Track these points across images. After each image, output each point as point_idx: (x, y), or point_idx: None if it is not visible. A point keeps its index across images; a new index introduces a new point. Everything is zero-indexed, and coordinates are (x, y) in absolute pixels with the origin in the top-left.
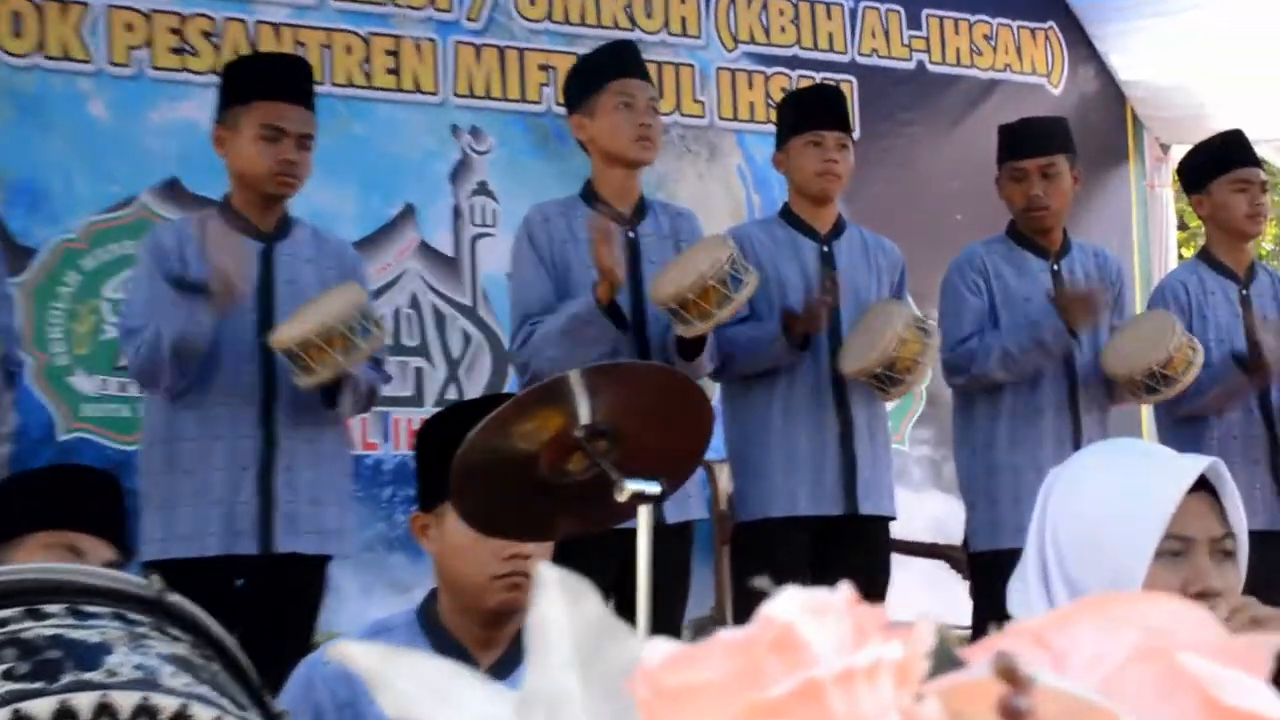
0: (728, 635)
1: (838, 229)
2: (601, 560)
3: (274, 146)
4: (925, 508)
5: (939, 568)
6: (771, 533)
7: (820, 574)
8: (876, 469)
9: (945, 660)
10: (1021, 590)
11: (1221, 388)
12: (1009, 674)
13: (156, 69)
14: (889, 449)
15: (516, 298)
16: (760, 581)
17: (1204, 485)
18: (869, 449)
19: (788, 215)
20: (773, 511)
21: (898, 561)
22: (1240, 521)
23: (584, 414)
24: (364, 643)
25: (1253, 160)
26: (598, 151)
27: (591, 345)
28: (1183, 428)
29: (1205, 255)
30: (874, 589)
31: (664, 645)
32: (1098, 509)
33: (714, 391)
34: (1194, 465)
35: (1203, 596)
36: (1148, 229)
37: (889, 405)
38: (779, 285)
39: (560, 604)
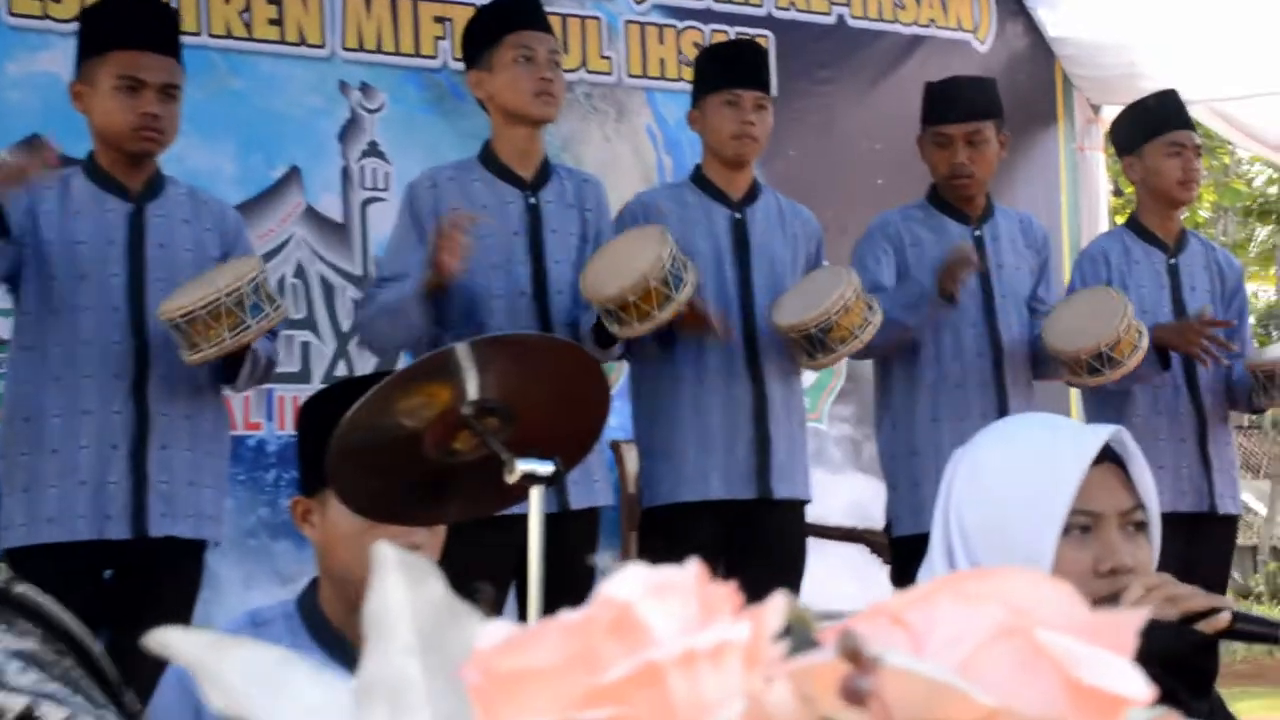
0: (564, 617)
1: (752, 195)
2: (500, 547)
3: (133, 99)
4: (845, 490)
5: (860, 553)
6: (681, 518)
7: (733, 561)
8: (792, 449)
9: (805, 641)
10: (928, 575)
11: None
12: (853, 654)
13: (15, 15)
14: (804, 427)
15: (381, 261)
16: (596, 559)
17: (1111, 457)
18: (784, 427)
19: (699, 179)
20: (683, 495)
21: (816, 547)
22: (1150, 492)
23: (472, 389)
24: (226, 634)
25: (1186, 123)
26: (496, 109)
27: (405, 331)
28: (1107, 403)
29: (1133, 222)
30: (789, 576)
31: (498, 628)
32: (1001, 489)
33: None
34: (1097, 436)
35: (1114, 574)
36: (1077, 194)
37: (806, 380)
38: (688, 252)
39: (400, 586)
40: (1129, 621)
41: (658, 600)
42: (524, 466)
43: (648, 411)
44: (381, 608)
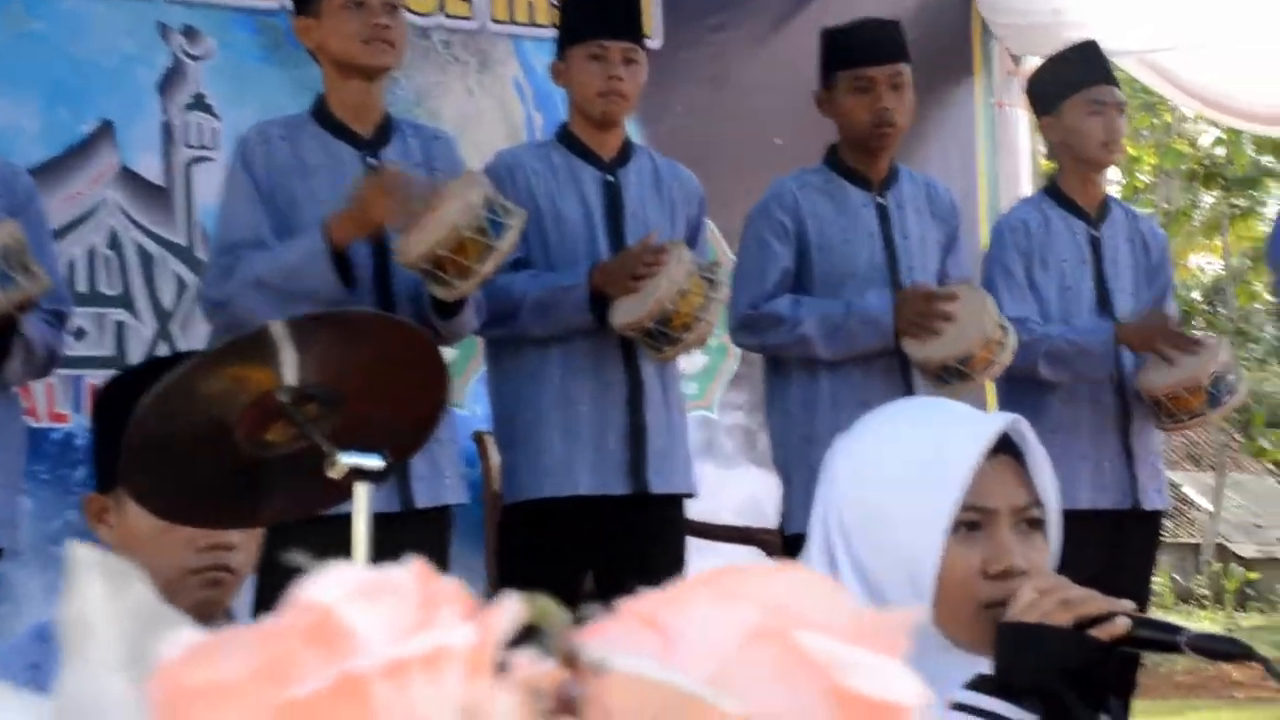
0: (259, 624)
1: (624, 155)
2: (331, 551)
3: None
4: (738, 485)
5: (753, 555)
6: (545, 515)
7: (603, 563)
8: (671, 439)
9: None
10: None
11: (1082, 353)
12: (569, 659)
13: None
14: (684, 414)
15: (220, 229)
16: (296, 558)
17: (1007, 448)
18: (662, 415)
19: (566, 138)
20: (546, 490)
21: (703, 550)
22: (1048, 487)
23: (290, 373)
24: (23, 650)
25: (1108, 77)
26: (327, 60)
27: (305, 299)
28: (1024, 389)
29: (1053, 189)
30: (665, 580)
31: (188, 636)
32: (885, 482)
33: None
34: (992, 425)
35: (1005, 576)
36: (996, 155)
37: (695, 364)
38: (555, 220)
39: (100, 593)
40: (900, 621)
41: (366, 603)
42: (349, 460)
43: (508, 397)
44: (78, 617)
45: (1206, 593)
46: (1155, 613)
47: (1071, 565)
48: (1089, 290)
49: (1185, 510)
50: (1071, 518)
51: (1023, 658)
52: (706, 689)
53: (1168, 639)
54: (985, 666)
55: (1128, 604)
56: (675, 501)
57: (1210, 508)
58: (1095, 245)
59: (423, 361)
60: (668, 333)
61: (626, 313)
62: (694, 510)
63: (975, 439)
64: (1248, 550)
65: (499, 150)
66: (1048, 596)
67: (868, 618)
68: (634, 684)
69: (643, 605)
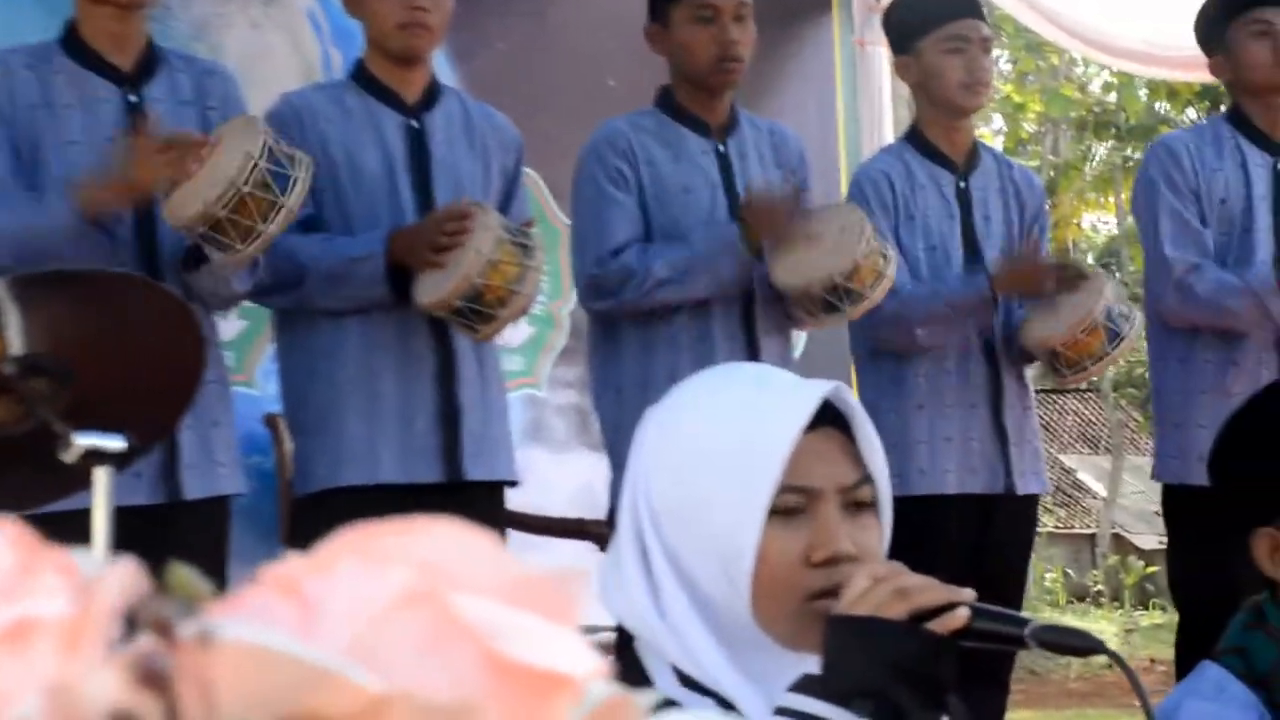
0: None
1: (430, 97)
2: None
3: None
4: (571, 472)
5: (589, 551)
6: (344, 506)
7: None
8: (488, 419)
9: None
10: (614, 572)
11: (959, 312)
12: (161, 628)
13: None
14: (504, 392)
15: None
16: None
17: (832, 419)
18: (477, 392)
19: (363, 77)
20: (345, 479)
21: (532, 544)
22: (878, 462)
23: (15, 340)
24: None
25: (973, 10)
26: None
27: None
28: (884, 365)
29: (915, 136)
30: None
31: None
32: (697, 460)
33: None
34: (813, 392)
35: (832, 563)
36: (856, 99)
37: (518, 336)
38: (352, 172)
39: None
40: (573, 581)
41: None
42: (85, 442)
43: (300, 374)
44: None
45: (1103, 589)
46: (1048, 613)
47: (938, 555)
48: (957, 248)
49: (1079, 498)
50: (938, 503)
51: (852, 655)
52: (338, 660)
53: (1011, 631)
54: (813, 666)
55: (968, 593)
56: (494, 489)
57: (1106, 494)
58: (963, 197)
59: (176, 329)
60: (481, 310)
61: (430, 290)
62: (521, 501)
63: (795, 408)
64: (1148, 541)
65: (284, 93)
66: (880, 586)
67: (536, 580)
68: (249, 656)
69: (284, 572)
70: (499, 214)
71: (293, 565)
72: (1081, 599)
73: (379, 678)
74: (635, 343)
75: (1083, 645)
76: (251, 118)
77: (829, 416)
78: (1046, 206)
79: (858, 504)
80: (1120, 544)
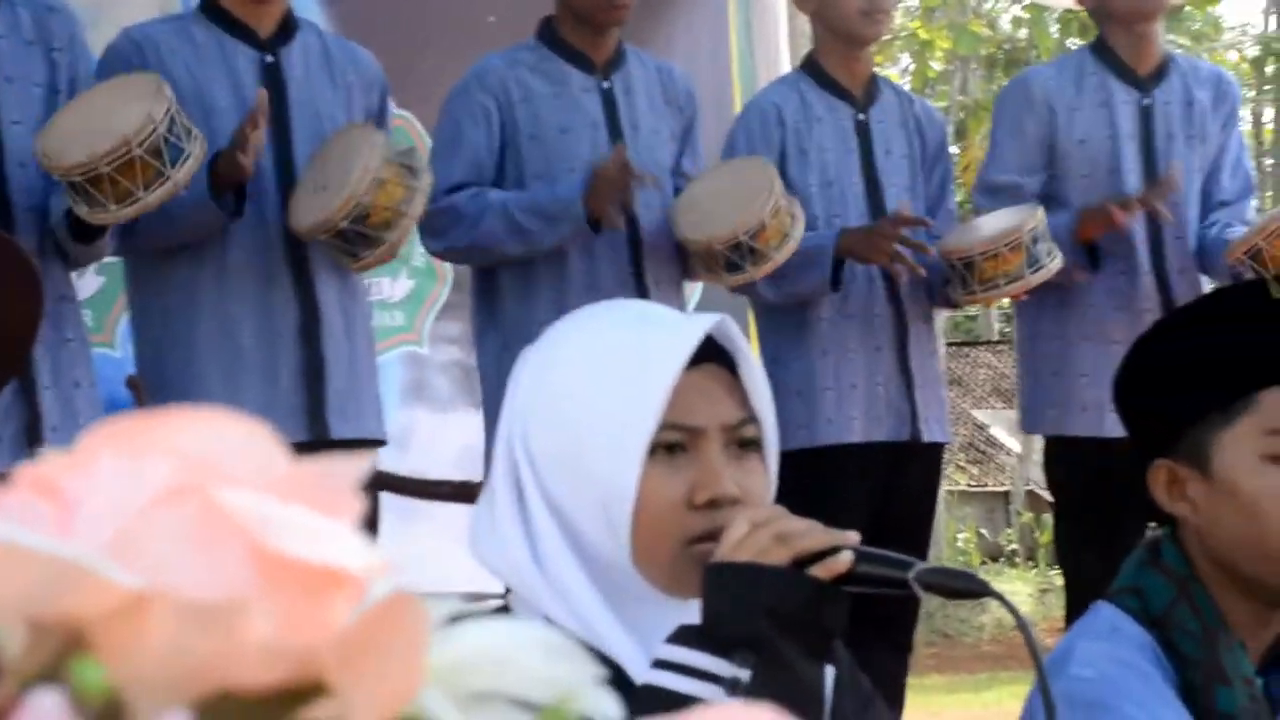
0: None
1: (287, 31)
2: None
3: None
4: (455, 432)
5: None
6: None
7: None
8: (355, 375)
9: None
10: (488, 522)
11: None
12: None
13: None
14: (372, 346)
15: None
16: None
17: (715, 356)
18: (343, 346)
19: (213, 10)
20: None
21: (414, 509)
22: (764, 400)
23: None
24: None
25: None
26: None
27: None
28: (786, 309)
29: (811, 66)
30: None
31: None
32: (572, 398)
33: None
34: (695, 327)
35: (714, 505)
36: (751, 33)
37: (399, 290)
38: (203, 111)
39: None
40: (350, 470)
41: None
42: None
43: (154, 331)
44: None
45: (1017, 548)
46: None
47: (844, 505)
48: (856, 185)
49: (992, 454)
50: (845, 452)
51: (731, 603)
52: (92, 557)
53: (895, 575)
54: (696, 614)
55: (853, 535)
56: (363, 448)
57: (1020, 450)
58: (863, 132)
59: (8, 276)
60: (365, 233)
61: (313, 211)
62: (402, 464)
63: (675, 344)
64: None
65: (125, 26)
66: (761, 530)
67: (308, 473)
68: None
69: (41, 471)
70: (384, 133)
71: (50, 463)
72: (995, 559)
73: (139, 575)
74: (515, 292)
75: (967, 588)
76: (159, 80)
77: (713, 353)
78: (948, 143)
79: (742, 444)
80: (1035, 501)
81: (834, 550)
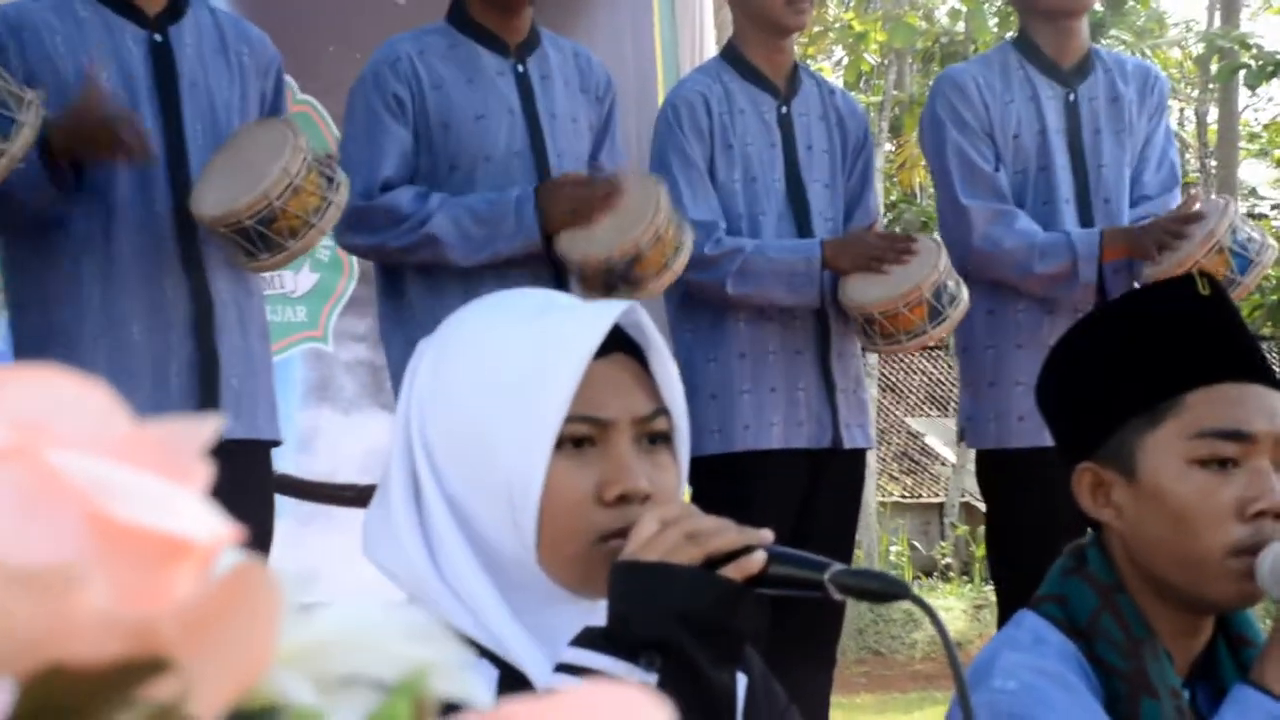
0: None
1: (175, 7)
2: None
3: None
4: (362, 434)
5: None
6: None
7: None
8: (250, 372)
9: None
10: (383, 522)
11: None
12: None
13: None
14: (267, 344)
15: None
16: None
17: (624, 346)
18: (237, 341)
19: None
20: None
21: (319, 514)
22: (675, 392)
23: None
24: None
25: None
26: None
27: None
28: (702, 308)
29: (732, 55)
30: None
31: None
32: (479, 390)
33: None
34: (603, 316)
35: (624, 502)
36: (675, 19)
37: (303, 284)
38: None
39: None
40: (196, 434)
41: None
42: None
43: (34, 324)
44: None
45: (951, 562)
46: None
47: (762, 514)
48: (778, 181)
49: (926, 464)
50: (763, 459)
51: (639, 604)
52: None
53: (810, 576)
54: (604, 616)
55: (766, 535)
56: (257, 450)
57: (955, 460)
58: (785, 125)
59: None
60: (269, 236)
61: (220, 202)
62: (306, 467)
63: (584, 334)
64: None
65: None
66: (670, 529)
67: (151, 435)
68: None
69: None
70: (306, 136)
71: None
72: (929, 573)
73: None
74: (423, 286)
75: (884, 589)
76: None
77: (622, 343)
78: (872, 136)
79: (653, 438)
80: (971, 514)
81: (747, 550)
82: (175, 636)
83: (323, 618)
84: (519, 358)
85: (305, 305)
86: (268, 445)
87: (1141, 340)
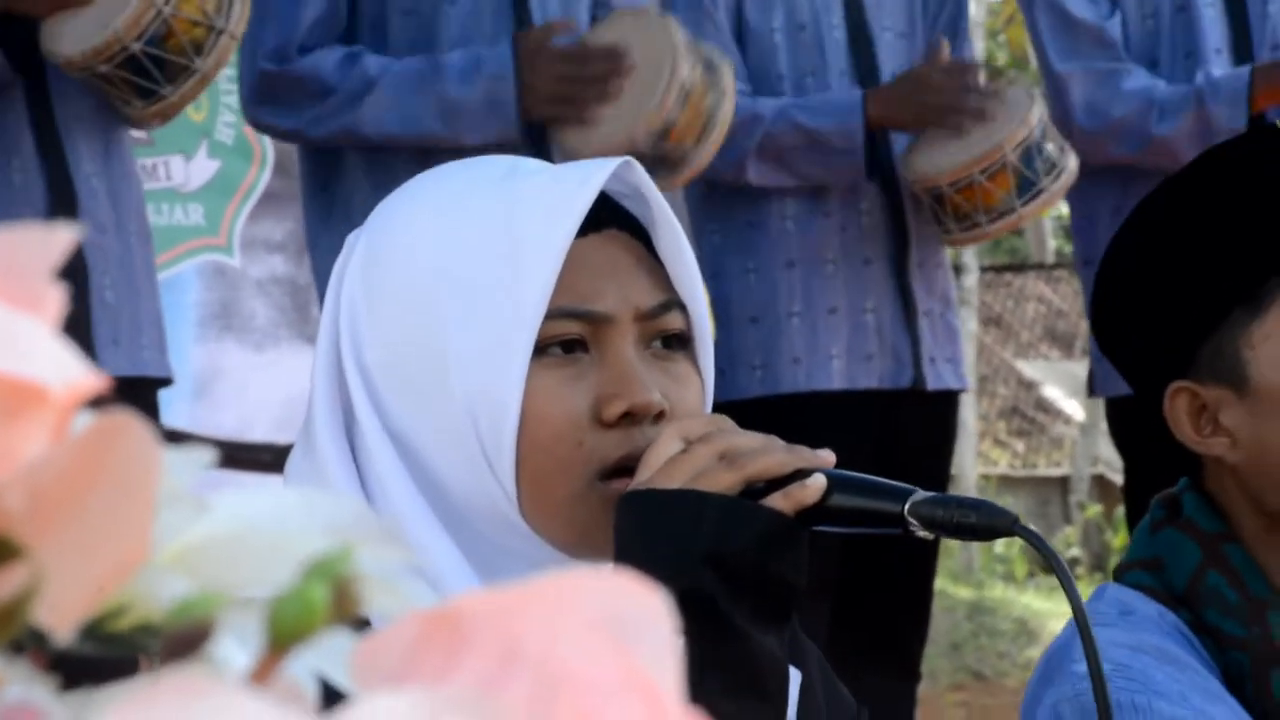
0: None
1: None
2: None
3: None
4: (278, 377)
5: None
6: None
7: None
8: (129, 289)
9: None
10: (306, 457)
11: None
12: None
13: None
14: (149, 247)
15: None
16: None
17: (621, 221)
18: (113, 246)
19: None
20: None
21: (222, 482)
22: (692, 280)
23: None
24: None
25: None
26: None
27: None
28: (732, 201)
29: None
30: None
31: None
32: (429, 287)
33: None
34: (587, 179)
35: (632, 419)
36: None
37: (192, 174)
38: None
39: None
40: (43, 249)
41: None
42: None
43: None
44: None
45: (1079, 553)
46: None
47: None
48: (836, 29)
49: (1045, 424)
50: (818, 405)
51: (653, 542)
52: None
53: (884, 508)
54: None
55: (827, 455)
56: (140, 390)
57: (1084, 418)
58: None
59: None
60: (166, 57)
61: (88, 33)
62: (207, 419)
63: (563, 204)
64: None
65: None
66: (700, 447)
67: None
68: None
69: None
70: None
71: None
72: (1049, 570)
73: None
74: (367, 174)
75: (985, 523)
76: None
77: (617, 217)
78: None
79: (665, 340)
80: (1105, 490)
81: (800, 475)
82: (20, 511)
83: (220, 506)
84: (479, 240)
85: (201, 203)
86: (153, 384)
87: (1222, 217)
